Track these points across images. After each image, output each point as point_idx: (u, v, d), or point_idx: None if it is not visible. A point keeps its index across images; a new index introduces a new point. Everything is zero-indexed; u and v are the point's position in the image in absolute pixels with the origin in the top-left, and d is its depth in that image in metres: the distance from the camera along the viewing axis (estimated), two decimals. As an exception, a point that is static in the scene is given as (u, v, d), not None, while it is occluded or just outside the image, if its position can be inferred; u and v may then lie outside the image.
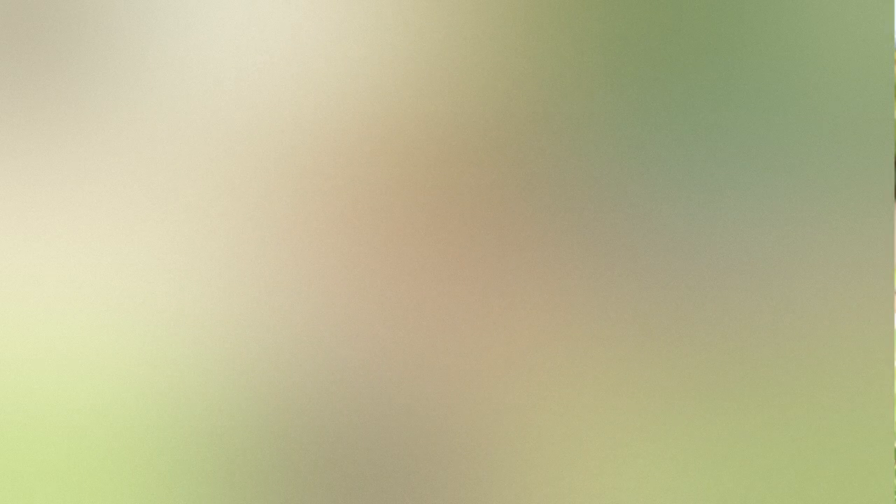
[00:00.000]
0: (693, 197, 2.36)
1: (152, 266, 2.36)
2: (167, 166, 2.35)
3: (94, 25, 2.35)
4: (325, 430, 2.38)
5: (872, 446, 2.39)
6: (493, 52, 2.33)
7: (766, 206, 2.37)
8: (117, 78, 2.35)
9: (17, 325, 2.37)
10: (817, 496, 2.41)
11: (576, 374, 2.37)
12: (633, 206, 2.35)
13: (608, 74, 2.35)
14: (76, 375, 2.38)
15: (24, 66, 2.36)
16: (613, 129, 2.35)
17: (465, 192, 2.35)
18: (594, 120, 2.35)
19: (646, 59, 2.35)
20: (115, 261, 2.36)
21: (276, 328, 2.36)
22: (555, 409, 2.38)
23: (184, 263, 2.36)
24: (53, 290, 2.37)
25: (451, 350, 2.37)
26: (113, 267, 2.36)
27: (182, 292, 2.36)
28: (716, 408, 2.38)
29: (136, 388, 2.38)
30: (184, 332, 2.36)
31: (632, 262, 2.36)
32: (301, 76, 2.34)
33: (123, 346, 2.37)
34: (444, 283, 2.35)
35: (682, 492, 2.41)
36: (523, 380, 2.37)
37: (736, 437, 2.39)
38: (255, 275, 2.36)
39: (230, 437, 2.38)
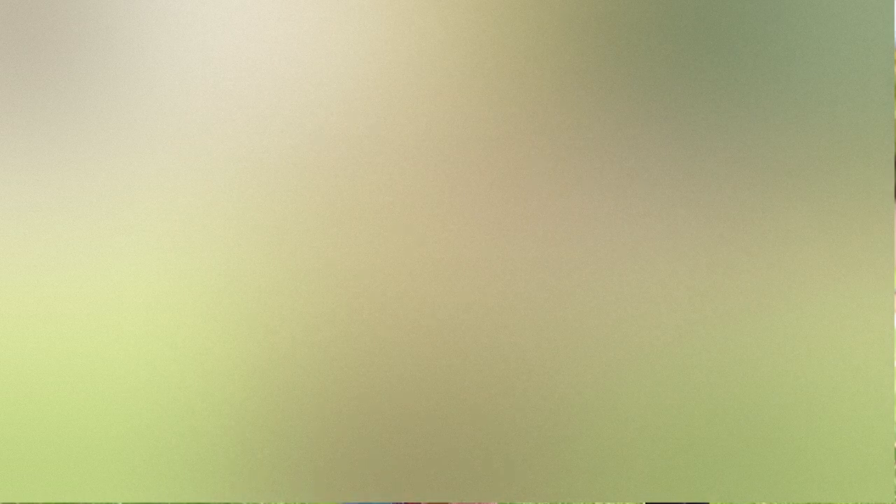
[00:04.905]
0: (692, 197, 2.36)
1: (152, 265, 2.36)
2: (167, 166, 2.35)
3: (94, 25, 2.35)
4: (326, 431, 2.38)
5: (872, 446, 2.39)
6: (493, 51, 2.33)
7: (766, 206, 2.37)
8: (117, 78, 2.35)
9: (17, 324, 2.37)
10: (818, 496, 2.41)
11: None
12: (631, 206, 2.35)
13: (608, 74, 2.35)
14: (76, 375, 2.38)
15: (24, 66, 2.36)
16: (613, 129, 2.35)
17: (465, 194, 2.35)
18: (593, 120, 2.35)
19: (645, 58, 2.35)
20: (115, 261, 2.36)
21: (277, 327, 2.36)
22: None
23: (184, 263, 2.36)
24: (54, 290, 2.37)
25: (452, 353, 2.37)
26: (113, 267, 2.36)
27: (182, 291, 2.36)
28: (716, 407, 2.38)
29: (136, 387, 2.38)
30: (184, 332, 2.36)
31: (630, 266, 2.36)
32: (301, 76, 2.34)
33: (124, 346, 2.37)
34: (443, 283, 2.35)
35: (683, 489, 2.41)
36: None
37: (736, 436, 2.39)
38: (255, 274, 2.36)
39: (229, 436, 2.38)
